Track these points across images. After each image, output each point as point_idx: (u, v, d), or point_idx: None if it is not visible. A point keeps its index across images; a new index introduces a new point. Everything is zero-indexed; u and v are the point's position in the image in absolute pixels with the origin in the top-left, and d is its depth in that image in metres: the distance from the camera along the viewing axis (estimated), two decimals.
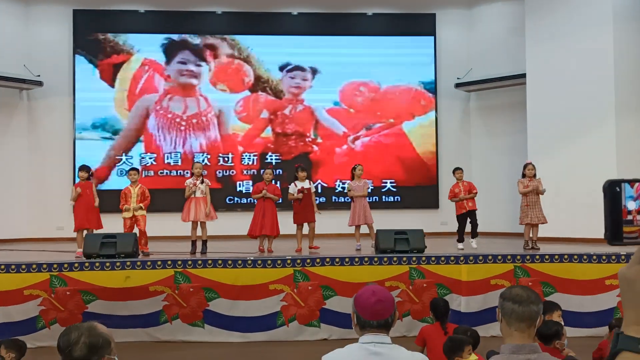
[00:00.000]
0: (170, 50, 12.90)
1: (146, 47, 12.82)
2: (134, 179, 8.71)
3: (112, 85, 12.71)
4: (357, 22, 13.24)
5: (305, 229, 9.00)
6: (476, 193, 9.32)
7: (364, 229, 9.20)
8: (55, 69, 12.49)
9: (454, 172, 9.46)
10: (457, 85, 13.06)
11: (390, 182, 13.05)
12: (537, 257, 7.87)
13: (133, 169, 9.02)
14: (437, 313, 5.18)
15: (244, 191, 12.59)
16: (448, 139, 13.30)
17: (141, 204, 8.57)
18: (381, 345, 2.46)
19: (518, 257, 7.84)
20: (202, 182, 8.58)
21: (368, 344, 2.47)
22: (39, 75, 12.23)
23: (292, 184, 8.95)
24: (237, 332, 7.42)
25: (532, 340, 2.44)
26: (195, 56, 12.96)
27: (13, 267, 7.09)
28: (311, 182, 9.06)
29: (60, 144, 12.51)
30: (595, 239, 10.02)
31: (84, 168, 8.99)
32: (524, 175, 9.03)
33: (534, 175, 9.00)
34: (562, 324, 4.41)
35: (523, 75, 11.59)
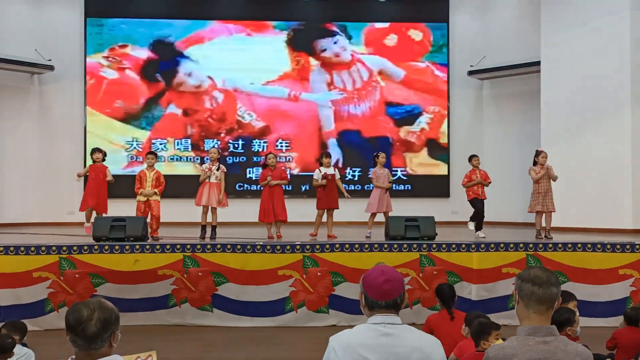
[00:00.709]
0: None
1: (158, 31, 12.75)
2: (151, 163, 8.68)
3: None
4: (370, 9, 13.13)
5: (324, 217, 8.96)
6: (489, 182, 9.19)
7: (379, 218, 9.13)
8: (67, 53, 12.47)
9: (470, 159, 9.33)
10: (470, 73, 12.89)
11: (401, 171, 12.94)
12: (550, 245, 7.76)
13: (151, 152, 8.99)
14: (443, 298, 5.10)
15: (253, 178, 12.54)
16: (460, 128, 13.16)
17: (155, 190, 8.56)
18: (392, 326, 2.40)
19: (530, 245, 7.74)
20: (218, 168, 8.54)
21: (378, 324, 2.40)
22: (50, 60, 12.22)
23: (317, 170, 8.94)
24: (245, 317, 7.41)
25: (549, 322, 2.38)
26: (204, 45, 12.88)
27: (22, 249, 7.09)
28: (336, 169, 9.00)
29: (71, 128, 12.52)
30: (608, 229, 9.92)
31: (99, 150, 8.99)
32: (535, 163, 8.89)
33: (545, 164, 8.86)
34: (577, 312, 4.34)
35: (537, 63, 11.42)
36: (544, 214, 8.78)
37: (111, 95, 12.66)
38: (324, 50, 13.06)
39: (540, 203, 8.72)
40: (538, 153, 8.96)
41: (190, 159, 12.72)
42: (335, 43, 13.05)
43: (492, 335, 3.82)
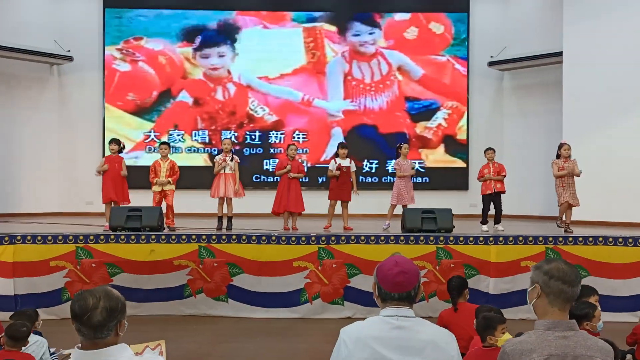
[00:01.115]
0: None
1: (177, 23, 12.77)
2: (164, 153, 8.74)
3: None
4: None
5: (339, 209, 8.90)
6: (505, 175, 9.05)
7: (397, 210, 9.06)
8: (86, 43, 12.55)
9: (485, 152, 9.21)
10: (491, 64, 12.69)
11: (419, 163, 12.82)
12: (570, 239, 7.62)
13: (164, 143, 9.11)
14: (449, 289, 5.01)
15: (270, 169, 12.52)
16: (480, 120, 12.98)
17: (170, 179, 8.59)
18: (404, 319, 2.34)
19: (550, 238, 7.61)
20: (232, 159, 8.53)
21: (390, 317, 2.35)
22: (69, 51, 12.33)
23: (332, 161, 8.90)
24: (260, 308, 7.40)
25: (568, 317, 2.32)
26: (223, 35, 12.84)
27: (39, 238, 7.16)
28: (352, 161, 8.94)
29: (90, 119, 12.63)
30: (631, 223, 9.72)
31: (115, 141, 9.04)
32: (558, 156, 8.72)
33: (569, 156, 8.68)
34: (599, 307, 4.24)
35: (559, 54, 11.20)
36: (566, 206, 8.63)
37: (123, 89, 12.69)
38: (358, 34, 12.89)
39: (566, 196, 8.59)
40: (561, 145, 8.79)
41: (206, 150, 12.74)
42: (370, 34, 12.90)
43: (498, 330, 3.73)
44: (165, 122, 12.78)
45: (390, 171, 12.32)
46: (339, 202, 8.90)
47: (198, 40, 12.83)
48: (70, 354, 2.28)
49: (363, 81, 12.94)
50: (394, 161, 9.24)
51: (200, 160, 12.67)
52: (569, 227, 8.60)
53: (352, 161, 8.97)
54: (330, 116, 12.90)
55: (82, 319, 2.16)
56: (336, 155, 8.96)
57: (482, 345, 3.75)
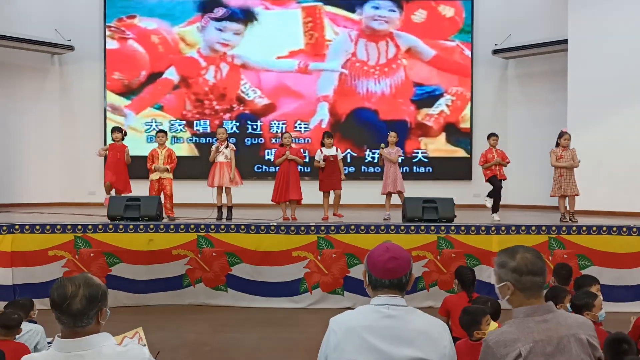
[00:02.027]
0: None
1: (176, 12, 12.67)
2: (161, 141, 8.69)
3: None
4: None
5: (331, 197, 8.82)
6: (508, 162, 8.93)
7: (395, 200, 8.96)
8: (87, 33, 12.44)
9: (488, 137, 9.08)
10: (495, 52, 12.54)
11: (422, 152, 12.71)
12: (574, 228, 7.54)
13: (161, 131, 9.03)
14: (464, 281, 4.95)
15: (271, 159, 12.44)
16: (483, 108, 12.83)
17: (167, 167, 8.53)
18: (395, 308, 2.26)
19: (553, 228, 7.53)
20: (227, 146, 8.45)
21: (381, 305, 2.28)
22: (70, 40, 12.22)
23: (318, 151, 8.78)
24: (260, 297, 7.37)
25: (544, 300, 2.31)
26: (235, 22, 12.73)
27: (37, 227, 7.14)
28: (338, 150, 8.84)
29: (91, 109, 12.53)
30: (636, 213, 9.60)
31: (118, 129, 9.01)
32: (557, 145, 8.58)
33: (568, 146, 8.55)
34: (600, 296, 4.18)
35: (564, 41, 11.03)
36: (566, 198, 8.50)
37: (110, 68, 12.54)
38: (377, 7, 12.69)
39: (563, 187, 8.44)
40: (562, 134, 8.64)
41: (209, 140, 12.62)
42: (391, 11, 12.67)
43: (483, 323, 3.66)
44: (142, 102, 12.58)
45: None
46: (331, 192, 8.80)
47: (220, 11, 12.56)
48: None
49: (367, 63, 12.76)
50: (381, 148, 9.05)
51: (201, 149, 12.51)
52: (573, 216, 8.49)
53: (338, 149, 8.86)
54: (326, 72, 12.65)
55: (61, 307, 2.11)
56: (322, 145, 8.77)
57: (470, 339, 3.69)
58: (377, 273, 2.30)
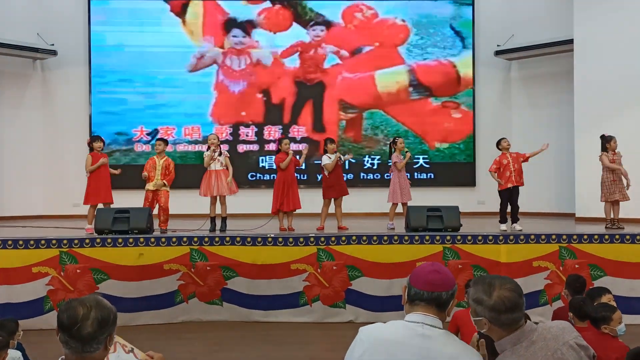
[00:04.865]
0: None
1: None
2: (160, 150, 8.28)
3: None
4: None
5: (331, 208, 8.51)
6: (527, 158, 8.61)
7: (397, 208, 8.64)
8: (70, 37, 11.93)
9: (498, 143, 8.67)
10: (497, 53, 12.21)
11: (424, 158, 12.35)
12: (585, 236, 7.24)
13: (160, 139, 8.59)
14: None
15: (266, 167, 12.07)
16: (486, 112, 12.49)
17: (164, 181, 8.13)
18: (431, 329, 2.10)
19: (564, 236, 7.22)
20: (220, 153, 8.08)
21: (415, 323, 2.11)
22: (53, 44, 11.75)
23: (325, 156, 8.48)
24: (257, 311, 7.09)
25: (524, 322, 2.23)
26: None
27: (21, 242, 6.76)
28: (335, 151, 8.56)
29: (76, 116, 11.96)
30: None
31: (99, 138, 8.57)
32: (605, 149, 8.37)
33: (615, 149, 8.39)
34: (615, 306, 3.93)
35: (570, 42, 10.72)
36: (612, 203, 8.31)
37: None
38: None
39: (616, 192, 8.23)
40: (609, 139, 8.38)
41: (200, 147, 12.25)
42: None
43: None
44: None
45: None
46: (332, 201, 8.52)
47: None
48: None
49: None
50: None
51: (193, 157, 12.11)
52: (619, 224, 8.25)
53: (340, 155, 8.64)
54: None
55: (71, 331, 1.94)
56: (325, 151, 8.52)
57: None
58: (417, 284, 2.18)
